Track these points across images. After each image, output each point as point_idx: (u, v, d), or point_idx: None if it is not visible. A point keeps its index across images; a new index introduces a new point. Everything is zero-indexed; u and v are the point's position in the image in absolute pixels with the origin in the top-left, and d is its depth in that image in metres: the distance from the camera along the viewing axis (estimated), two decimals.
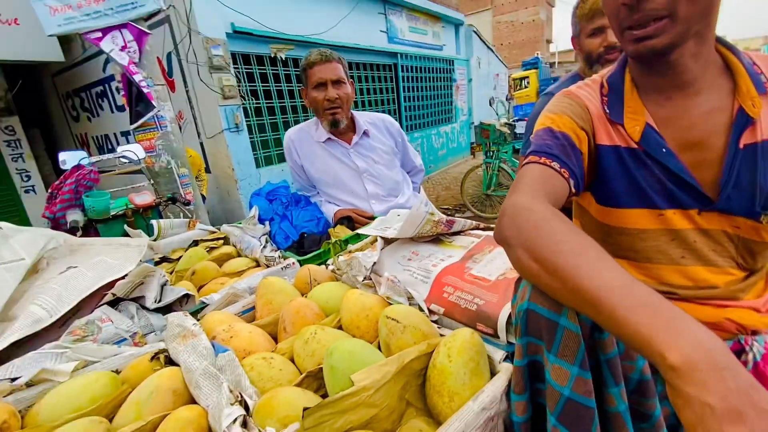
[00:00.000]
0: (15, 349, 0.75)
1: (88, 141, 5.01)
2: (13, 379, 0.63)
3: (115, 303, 0.85)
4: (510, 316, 0.64)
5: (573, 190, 0.62)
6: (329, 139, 1.46)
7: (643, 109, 0.64)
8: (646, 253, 0.68)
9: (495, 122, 4.41)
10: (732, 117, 0.59)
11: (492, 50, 10.02)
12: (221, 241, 1.39)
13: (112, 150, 3.56)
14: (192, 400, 0.59)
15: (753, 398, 0.30)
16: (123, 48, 2.33)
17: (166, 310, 0.88)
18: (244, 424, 0.49)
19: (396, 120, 1.56)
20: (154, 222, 1.40)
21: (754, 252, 0.64)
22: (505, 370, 0.60)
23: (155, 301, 0.86)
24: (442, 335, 0.70)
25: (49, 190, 1.73)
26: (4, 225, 0.92)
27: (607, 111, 0.66)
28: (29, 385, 0.63)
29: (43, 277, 0.90)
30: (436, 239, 0.99)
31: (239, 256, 1.29)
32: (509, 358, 0.63)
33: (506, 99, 8.52)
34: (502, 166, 4.34)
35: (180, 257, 1.28)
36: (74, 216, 1.62)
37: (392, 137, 1.54)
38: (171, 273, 1.21)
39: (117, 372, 0.66)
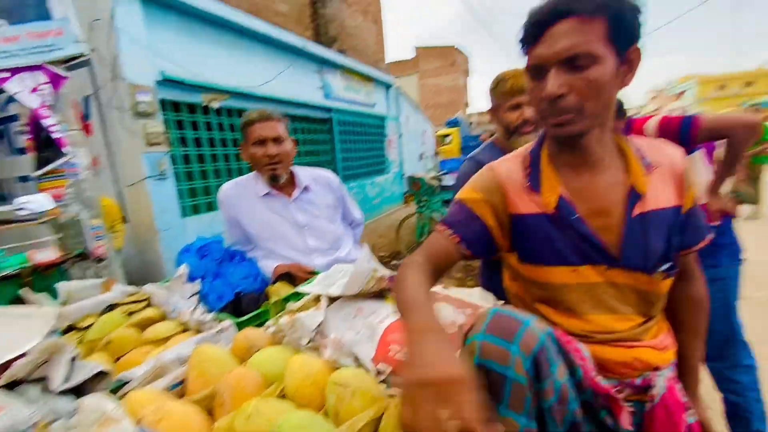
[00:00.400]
0: None
1: None
2: None
3: (11, 386, 0.72)
4: None
5: (466, 252, 0.78)
6: (268, 193, 1.45)
7: (558, 181, 0.76)
8: (564, 303, 0.77)
9: (425, 175, 4.73)
10: (626, 192, 0.72)
11: (418, 110, 10.93)
12: (143, 304, 1.26)
13: (7, 197, 3.11)
14: None
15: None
16: (33, 90, 2.14)
17: (76, 390, 0.76)
18: None
19: (333, 170, 1.61)
20: (59, 285, 1.23)
21: (650, 301, 0.76)
22: None
23: (64, 381, 0.74)
24: (391, 396, 0.70)
25: None
26: None
27: (529, 182, 0.77)
28: None
29: None
30: (380, 294, 1.01)
31: (165, 319, 1.18)
32: None
33: (433, 154, 9.21)
34: (433, 215, 4.60)
35: (91, 324, 1.13)
36: None
37: (333, 192, 1.57)
38: (80, 343, 1.06)
39: None
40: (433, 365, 0.46)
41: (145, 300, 1.27)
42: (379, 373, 0.78)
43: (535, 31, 0.64)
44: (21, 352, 0.74)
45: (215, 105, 3.98)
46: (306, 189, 1.50)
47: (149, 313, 1.18)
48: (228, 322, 1.02)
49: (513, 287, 0.89)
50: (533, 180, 0.77)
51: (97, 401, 0.62)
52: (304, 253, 1.45)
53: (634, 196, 0.71)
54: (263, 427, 0.61)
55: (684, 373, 0.86)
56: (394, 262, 4.52)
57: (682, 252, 0.79)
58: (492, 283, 1.16)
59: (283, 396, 0.72)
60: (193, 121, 3.81)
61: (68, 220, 2.30)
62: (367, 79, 7.48)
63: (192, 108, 3.83)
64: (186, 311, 1.13)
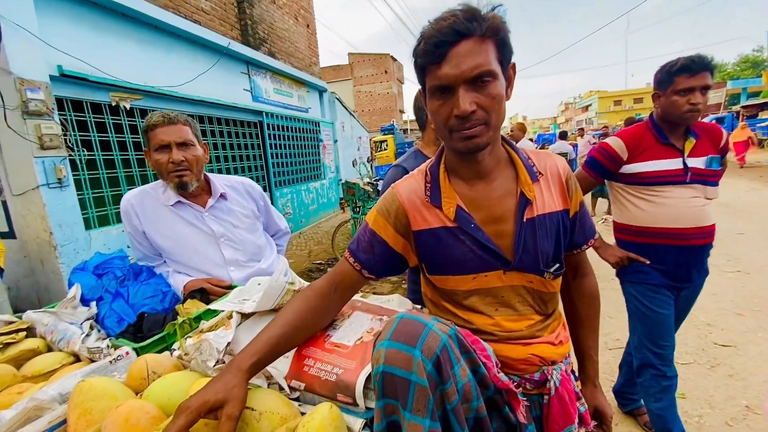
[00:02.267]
0: None
1: None
2: None
3: None
4: (368, 379, 0.67)
5: (370, 275, 0.84)
6: (179, 202, 1.34)
7: (454, 194, 0.80)
8: (471, 306, 0.81)
9: (359, 181, 4.74)
10: (517, 199, 0.78)
11: (354, 116, 10.98)
12: (23, 334, 1.09)
13: None
14: None
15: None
16: None
17: None
18: None
19: (264, 176, 1.54)
20: None
21: (545, 300, 0.83)
22: None
23: None
24: (303, 413, 0.67)
25: None
26: None
27: (429, 197, 0.81)
28: None
29: None
30: None
31: (50, 350, 1.03)
32: (368, 425, 0.65)
33: (367, 160, 9.31)
34: None
35: None
36: None
37: (254, 200, 1.50)
38: None
39: None
40: (194, 398, 0.59)
41: (24, 329, 1.09)
42: (292, 389, 0.75)
43: (439, 51, 0.67)
44: None
45: (126, 105, 3.62)
46: (222, 197, 1.41)
47: (30, 344, 1.03)
48: (126, 348, 0.92)
49: (428, 292, 0.92)
50: (433, 195, 0.81)
51: None
52: (220, 266, 1.36)
53: (523, 201, 0.77)
54: None
55: (584, 365, 0.95)
56: (329, 269, 4.45)
57: (574, 251, 0.88)
58: (417, 290, 1.19)
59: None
60: (99, 122, 3.42)
61: None
62: (299, 83, 7.34)
63: (98, 108, 3.44)
64: (76, 339, 1.00)
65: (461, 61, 0.66)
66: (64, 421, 0.70)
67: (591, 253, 1.04)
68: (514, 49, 0.72)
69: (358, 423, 0.64)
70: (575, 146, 8.74)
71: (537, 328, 0.81)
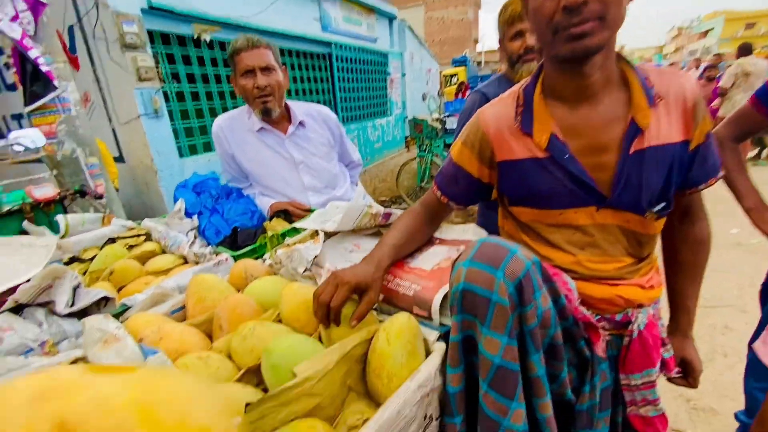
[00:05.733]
0: None
1: None
2: None
3: (17, 310, 0.75)
4: (445, 298, 0.69)
5: (457, 206, 0.88)
6: (262, 128, 1.41)
7: (549, 120, 0.72)
8: (552, 243, 0.78)
9: (427, 117, 4.58)
10: (626, 126, 0.68)
11: (424, 46, 10.30)
12: (142, 238, 1.28)
13: (2, 136, 3.06)
14: None
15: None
16: (14, 18, 2.00)
17: (80, 314, 0.79)
18: None
19: (332, 111, 1.55)
20: (59, 218, 1.25)
21: (641, 242, 0.75)
22: (439, 349, 0.65)
23: (68, 306, 0.78)
24: (381, 321, 0.73)
25: None
26: None
27: (520, 123, 0.74)
28: None
29: None
30: (377, 233, 1.02)
31: (164, 253, 1.21)
32: (442, 338, 0.68)
33: (438, 95, 8.85)
34: (435, 159, 4.52)
35: (94, 256, 1.16)
36: None
37: (329, 130, 1.53)
38: (84, 274, 1.09)
39: None
40: (349, 274, 0.70)
41: (144, 234, 1.29)
42: None
43: None
44: (24, 279, 0.77)
45: (207, 37, 3.75)
46: (301, 124, 1.45)
47: (149, 246, 1.21)
48: (225, 255, 1.05)
49: (505, 225, 0.90)
50: (524, 121, 0.74)
51: (100, 322, 0.65)
52: (299, 191, 1.44)
53: (633, 130, 0.67)
54: (258, 348, 0.64)
55: (678, 313, 0.86)
56: (393, 207, 4.54)
57: (687, 191, 0.75)
58: (488, 222, 1.17)
59: (279, 321, 0.75)
60: (185, 55, 3.61)
61: (64, 158, 2.27)
62: (369, 9, 6.95)
63: (182, 41, 3.61)
64: (184, 245, 1.15)
65: None
66: (183, 307, 0.83)
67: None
68: None
69: (433, 334, 0.68)
70: None
71: (626, 270, 0.75)
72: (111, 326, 0.64)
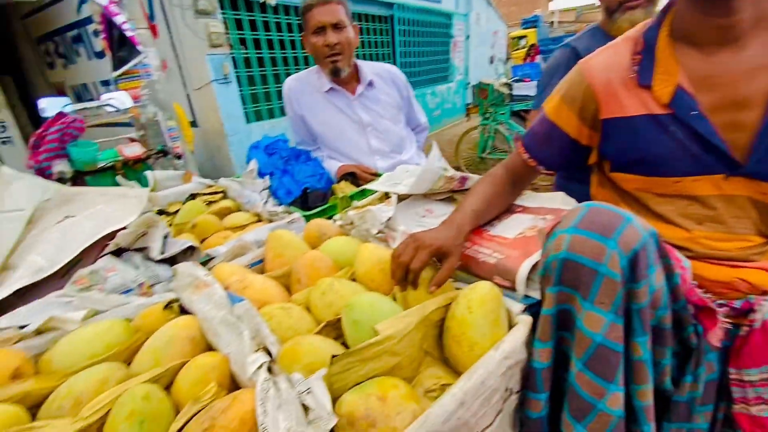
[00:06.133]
0: (16, 299, 0.73)
1: (65, 90, 4.72)
2: (21, 327, 0.61)
3: (118, 253, 0.82)
4: (533, 269, 0.64)
5: (546, 171, 0.81)
6: (332, 89, 1.39)
7: (676, 68, 0.61)
8: (662, 215, 0.67)
9: (494, 81, 4.28)
10: None
11: (492, 6, 9.56)
12: (220, 195, 1.35)
13: (92, 101, 3.36)
14: (209, 349, 0.59)
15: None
16: None
17: (170, 261, 0.85)
18: (269, 371, 0.49)
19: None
20: (148, 173, 1.34)
21: None
22: (524, 321, 0.61)
23: (159, 252, 0.83)
24: (457, 288, 0.70)
25: (32, 139, 1.63)
26: (5, 170, 0.87)
27: (637, 73, 0.63)
28: (38, 332, 0.61)
29: (39, 226, 0.86)
30: (450, 198, 0.97)
31: (239, 210, 1.26)
32: (527, 310, 0.64)
33: (505, 59, 8.25)
34: (499, 128, 4.26)
35: (177, 210, 1.24)
36: (61, 167, 1.55)
37: (398, 90, 1.47)
38: (170, 226, 1.18)
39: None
40: (430, 237, 0.66)
41: (221, 192, 1.35)
42: None
43: None
44: (123, 225, 0.83)
45: (272, 1, 3.76)
46: (370, 84, 1.41)
47: (226, 203, 1.27)
48: (297, 214, 1.06)
49: (599, 194, 0.80)
50: (643, 70, 0.63)
51: (190, 268, 0.69)
52: (367, 154, 1.42)
53: None
54: (336, 303, 0.64)
55: None
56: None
57: None
58: (568, 189, 1.07)
59: (353, 280, 0.74)
60: (251, 20, 3.66)
61: (147, 120, 2.45)
62: None
63: (250, 6, 3.66)
64: (258, 203, 1.19)
65: None
66: (262, 260, 0.86)
67: None
68: None
69: (517, 306, 0.64)
70: None
71: (753, 251, 0.64)
72: (200, 273, 0.67)
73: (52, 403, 0.49)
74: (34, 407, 0.50)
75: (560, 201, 0.83)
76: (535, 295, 0.66)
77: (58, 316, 0.61)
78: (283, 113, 4.10)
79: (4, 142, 4.61)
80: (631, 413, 0.56)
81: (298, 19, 4.06)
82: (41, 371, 0.55)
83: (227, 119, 3.52)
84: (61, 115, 1.65)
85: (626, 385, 0.54)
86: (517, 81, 4.89)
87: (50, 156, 1.58)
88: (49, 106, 1.73)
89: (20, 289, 0.71)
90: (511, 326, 0.62)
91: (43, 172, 1.57)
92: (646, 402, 0.55)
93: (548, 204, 0.83)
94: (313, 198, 1.18)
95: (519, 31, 8.77)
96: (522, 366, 0.60)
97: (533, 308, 0.65)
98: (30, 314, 0.64)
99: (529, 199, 0.88)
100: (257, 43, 3.78)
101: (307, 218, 1.06)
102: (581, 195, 0.82)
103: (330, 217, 1.08)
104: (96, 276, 0.73)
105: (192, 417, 0.45)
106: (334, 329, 0.62)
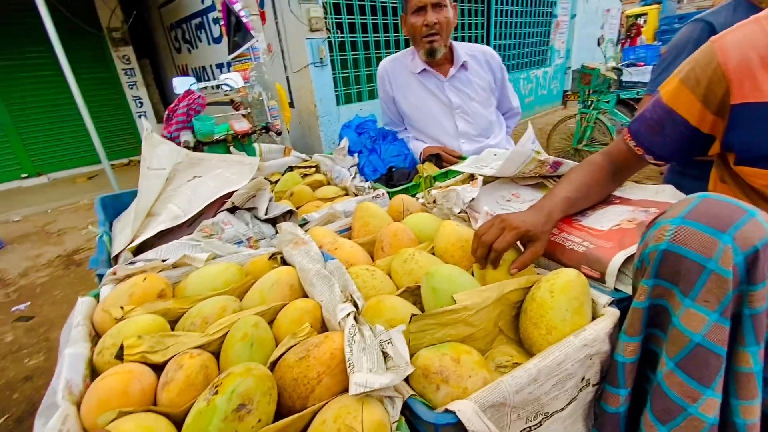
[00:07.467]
0: (156, 239, 0.90)
1: (188, 71, 5.41)
2: (163, 261, 0.75)
3: (231, 210, 0.96)
4: (626, 262, 0.61)
5: (655, 162, 0.73)
6: (425, 70, 1.40)
7: None
8: None
9: (600, 66, 3.86)
10: None
11: None
12: (313, 169, 1.47)
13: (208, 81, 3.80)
14: (304, 295, 0.67)
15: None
16: None
17: (272, 222, 0.97)
18: (355, 320, 0.55)
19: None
20: (256, 145, 1.51)
21: None
22: (611, 314, 0.58)
23: (264, 213, 0.95)
24: (538, 274, 0.69)
25: (166, 112, 1.92)
26: (155, 135, 1.05)
27: None
28: (174, 266, 0.75)
29: (174, 183, 1.04)
30: (539, 184, 0.94)
31: (329, 184, 1.36)
32: (614, 303, 0.61)
33: (618, 41, 7.34)
34: (601, 117, 3.85)
35: (277, 180, 1.38)
36: (186, 137, 1.80)
37: (492, 72, 1.43)
38: (272, 192, 1.32)
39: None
40: (518, 220, 0.65)
41: (314, 166, 1.47)
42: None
43: None
44: (238, 187, 0.96)
45: None
46: (463, 66, 1.39)
47: (318, 177, 1.38)
48: (382, 190, 1.12)
49: (718, 189, 0.71)
50: None
51: (291, 227, 0.78)
52: (452, 137, 1.42)
53: None
54: (416, 271, 0.68)
55: None
56: None
57: None
58: (680, 185, 0.96)
59: (432, 254, 0.77)
60: (348, 4, 3.79)
61: (253, 99, 2.72)
62: None
63: None
64: (347, 178, 1.27)
65: None
66: (349, 228, 0.93)
67: None
68: None
69: (603, 298, 0.61)
70: None
71: None
72: (299, 232, 0.76)
73: (186, 320, 0.61)
74: (172, 322, 0.62)
75: (669, 194, 0.75)
76: (626, 289, 0.63)
77: (189, 255, 0.75)
78: (370, 97, 4.22)
79: (139, 116, 5.48)
80: (728, 430, 0.51)
81: (393, 2, 4.10)
82: (177, 296, 0.69)
83: (320, 101, 3.73)
84: (188, 92, 1.91)
85: (725, 397, 0.50)
86: (629, 65, 4.36)
87: (179, 127, 1.85)
88: (179, 84, 2.01)
89: (161, 231, 0.88)
90: (595, 317, 0.60)
91: (173, 141, 1.85)
92: (752, 420, 0.50)
93: (654, 197, 0.76)
94: (397, 176, 1.23)
95: (637, 9, 7.71)
96: (603, 359, 0.58)
97: (622, 303, 0.62)
98: (169, 251, 0.79)
99: (630, 190, 0.81)
100: (352, 28, 3.91)
101: (391, 195, 1.11)
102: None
103: (413, 195, 1.12)
104: (216, 227, 0.87)
105: (289, 348, 0.53)
106: (412, 295, 0.66)
